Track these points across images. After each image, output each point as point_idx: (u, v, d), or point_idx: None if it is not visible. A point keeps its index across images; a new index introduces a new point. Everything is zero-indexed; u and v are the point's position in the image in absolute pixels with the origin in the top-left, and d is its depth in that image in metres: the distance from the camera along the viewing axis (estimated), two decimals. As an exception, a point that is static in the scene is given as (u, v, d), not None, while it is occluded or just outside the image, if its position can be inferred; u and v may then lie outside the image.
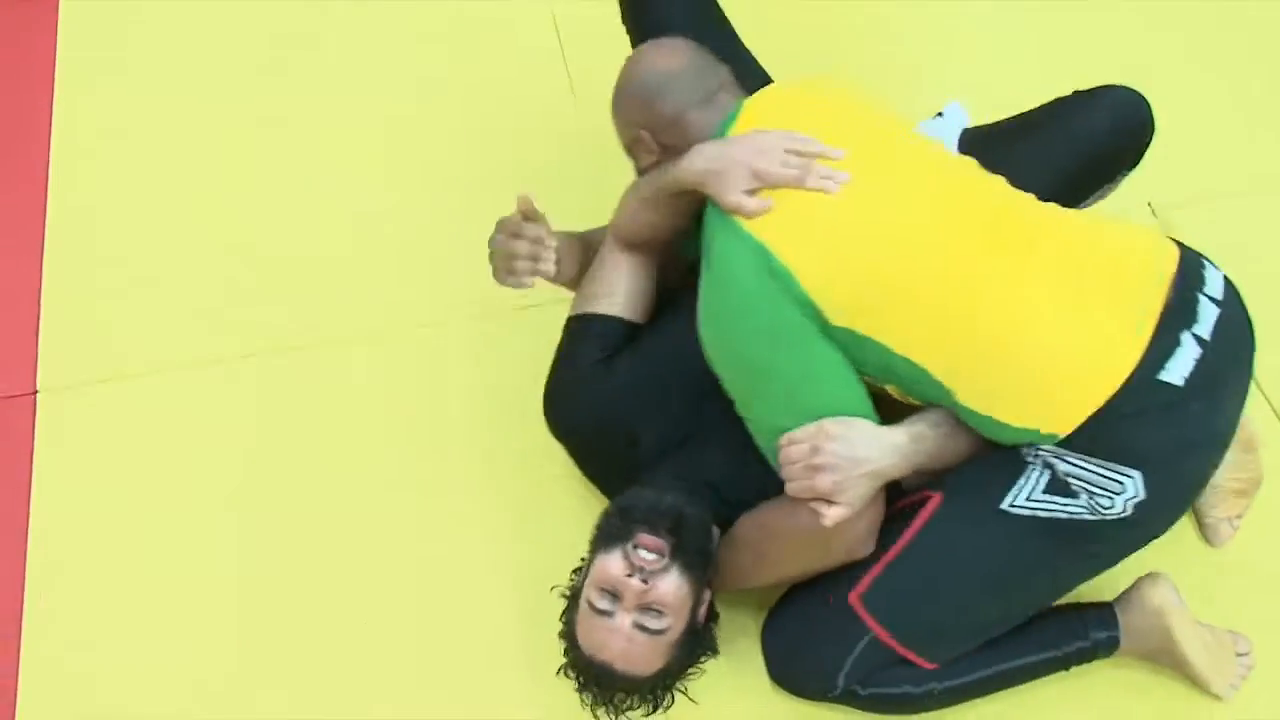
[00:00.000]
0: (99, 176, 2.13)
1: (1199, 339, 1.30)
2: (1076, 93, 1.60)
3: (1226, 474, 1.63)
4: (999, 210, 1.37)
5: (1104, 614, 1.49)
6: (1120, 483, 1.30)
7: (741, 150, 1.37)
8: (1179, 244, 1.38)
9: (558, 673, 1.52)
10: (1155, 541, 1.43)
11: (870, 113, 1.47)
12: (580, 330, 1.61)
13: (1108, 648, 1.49)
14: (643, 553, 1.40)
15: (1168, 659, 1.50)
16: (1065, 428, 1.29)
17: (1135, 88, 1.57)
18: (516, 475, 1.74)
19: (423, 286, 1.96)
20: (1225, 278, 1.38)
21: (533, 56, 2.24)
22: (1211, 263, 1.38)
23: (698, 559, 1.44)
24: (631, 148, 1.58)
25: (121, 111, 2.23)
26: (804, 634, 1.48)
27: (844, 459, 1.31)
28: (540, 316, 1.79)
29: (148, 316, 1.94)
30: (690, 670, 1.52)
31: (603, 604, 1.41)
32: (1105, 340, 1.29)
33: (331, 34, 2.33)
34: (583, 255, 1.65)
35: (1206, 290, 1.34)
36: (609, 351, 1.58)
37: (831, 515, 1.32)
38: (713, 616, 1.54)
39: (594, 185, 1.73)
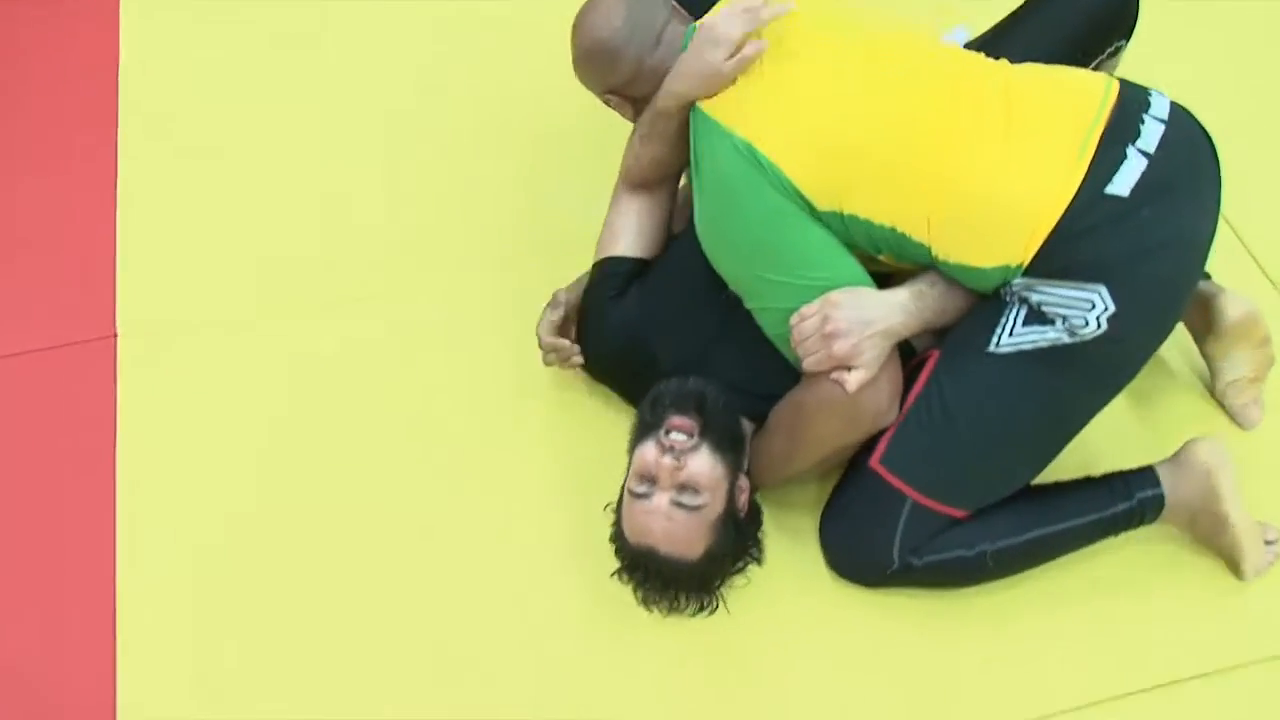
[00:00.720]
0: (165, 135, 2.23)
1: (1144, 153, 1.40)
2: None
3: (1241, 368, 1.74)
4: (954, 75, 1.49)
5: (1147, 475, 1.57)
6: (1089, 300, 1.40)
7: (700, 42, 1.51)
8: (1123, 80, 1.48)
9: (611, 576, 1.62)
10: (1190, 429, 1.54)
11: (822, 4, 1.58)
12: (596, 275, 1.75)
13: (1154, 509, 1.56)
14: (673, 435, 1.50)
15: (1208, 523, 1.57)
16: (1026, 255, 1.40)
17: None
18: (557, 410, 1.83)
19: (459, 240, 2.06)
20: (1173, 102, 1.47)
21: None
22: (1159, 92, 1.47)
23: (727, 439, 1.54)
24: (607, 103, 1.70)
25: (183, 69, 2.35)
26: (851, 518, 1.58)
27: (854, 323, 1.42)
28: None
29: (217, 265, 2.04)
30: (736, 569, 1.62)
31: (641, 488, 1.52)
32: (1049, 167, 1.40)
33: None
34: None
35: (1151, 112, 1.44)
36: (622, 287, 1.71)
37: (852, 380, 1.44)
38: (756, 519, 1.64)
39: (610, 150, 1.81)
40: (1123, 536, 1.61)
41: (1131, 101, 1.46)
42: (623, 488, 1.61)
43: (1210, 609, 1.61)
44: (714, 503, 1.53)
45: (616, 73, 1.63)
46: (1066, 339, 1.42)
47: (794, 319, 1.47)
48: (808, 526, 1.67)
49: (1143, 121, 1.44)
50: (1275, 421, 1.78)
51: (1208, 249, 1.48)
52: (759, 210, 1.47)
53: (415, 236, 2.06)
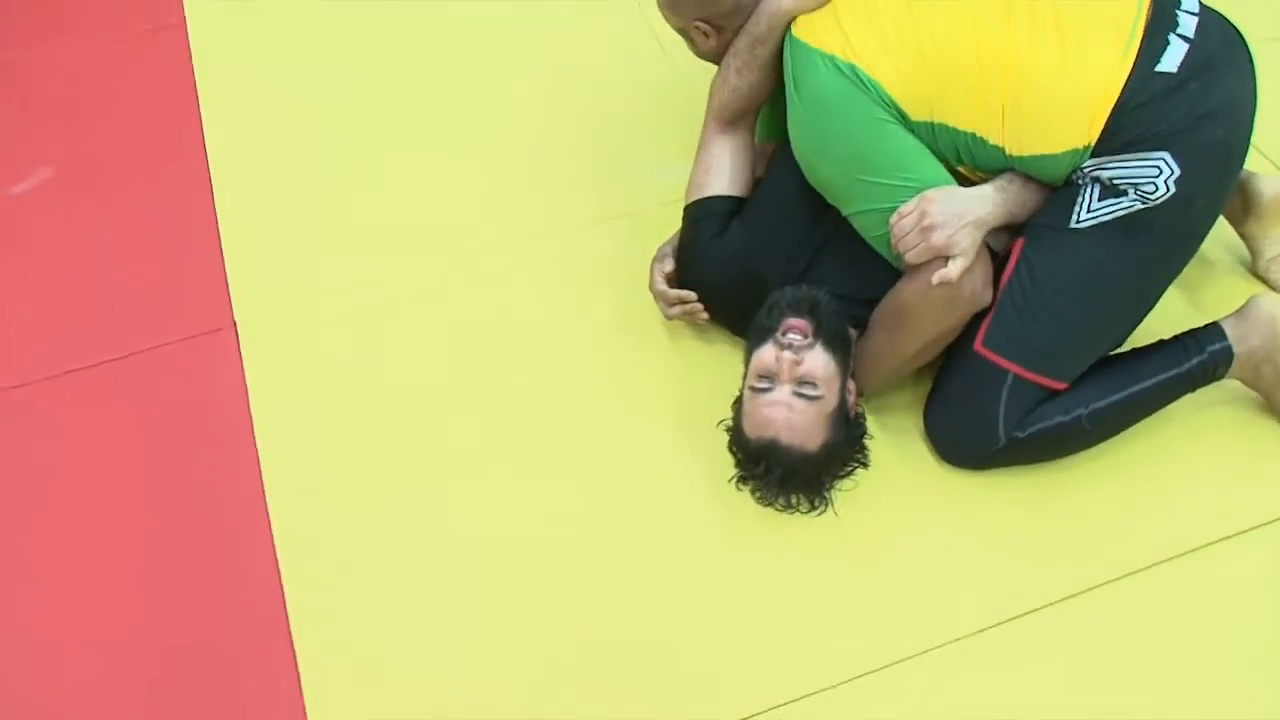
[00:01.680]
0: (251, 132, 2.39)
1: (1184, 38, 1.58)
2: None
3: (1278, 246, 1.91)
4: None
5: (1214, 330, 1.74)
6: (1156, 166, 1.57)
7: None
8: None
9: (730, 480, 1.76)
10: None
11: None
12: (695, 214, 1.88)
13: (1225, 361, 1.72)
14: (791, 335, 1.66)
15: (1272, 373, 1.73)
16: (1092, 136, 1.57)
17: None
18: (667, 345, 1.98)
19: (554, 201, 2.22)
20: (1200, 2, 1.64)
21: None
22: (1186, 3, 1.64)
23: (838, 340, 1.70)
24: (688, 34, 1.85)
25: (263, 67, 2.51)
26: (957, 402, 1.74)
27: (949, 215, 1.59)
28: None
29: (315, 251, 2.17)
30: (846, 472, 1.76)
31: (763, 384, 1.67)
32: (1103, 57, 1.57)
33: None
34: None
35: (1183, 7, 1.62)
36: (723, 225, 1.85)
37: (954, 268, 1.59)
38: (861, 424, 1.79)
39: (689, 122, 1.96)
40: (1197, 400, 1.77)
41: (1166, 1, 1.63)
42: (737, 400, 1.76)
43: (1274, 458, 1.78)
44: (829, 397, 1.69)
45: (716, 2, 1.76)
46: (1140, 205, 1.59)
47: (894, 218, 1.63)
48: (909, 425, 1.83)
49: (1178, 14, 1.61)
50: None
51: (1253, 114, 1.64)
52: (861, 121, 1.64)
53: (503, 212, 2.21)
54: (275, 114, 2.43)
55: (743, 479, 1.76)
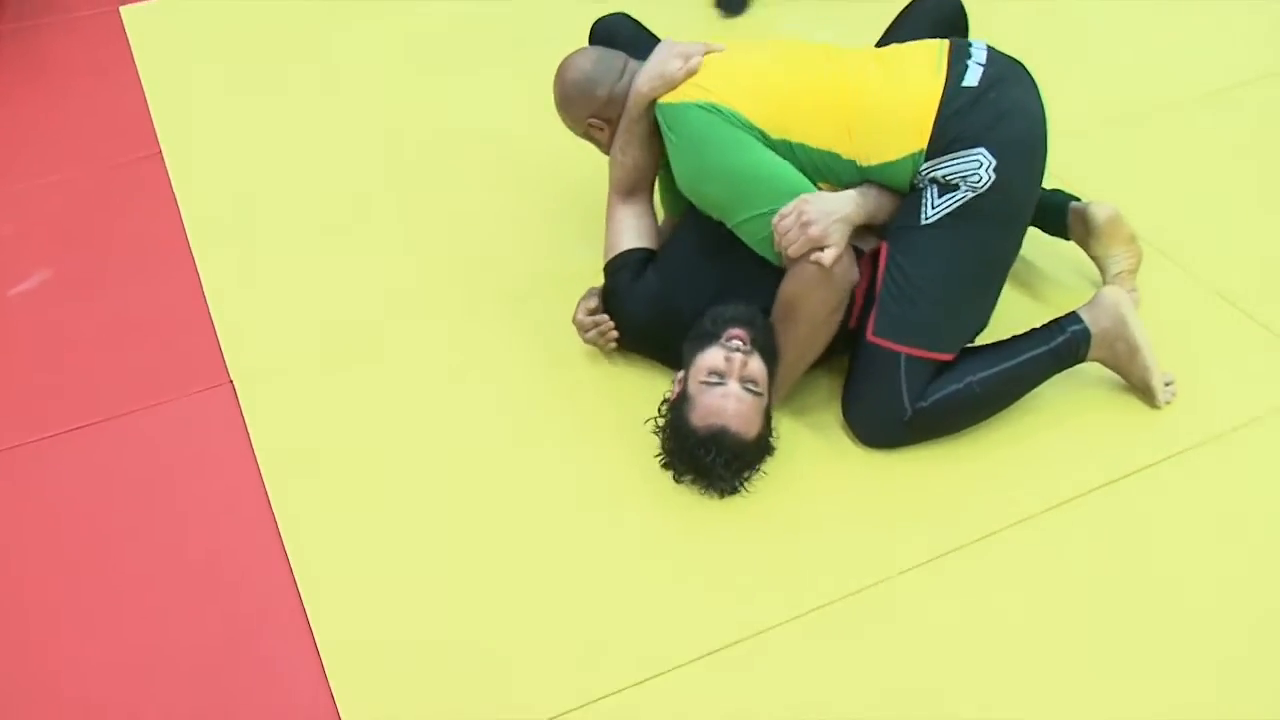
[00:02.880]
0: (227, 222, 2.72)
1: (979, 64, 2.03)
2: None
3: (1121, 262, 2.32)
4: (835, 50, 2.12)
5: (1072, 315, 2.12)
6: (976, 160, 1.97)
7: (659, 55, 2.13)
8: (950, 39, 2.11)
9: (656, 457, 2.06)
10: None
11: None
12: (614, 266, 2.25)
13: (1084, 340, 2.09)
14: (735, 342, 1.99)
15: (1125, 350, 2.09)
16: (923, 141, 1.98)
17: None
18: (595, 378, 2.30)
19: (489, 280, 2.57)
20: (986, 44, 2.10)
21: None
22: (974, 41, 2.11)
23: (769, 351, 2.03)
24: (588, 135, 2.28)
25: (228, 130, 2.85)
26: (865, 387, 2.08)
27: (822, 212, 1.96)
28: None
29: (300, 310, 2.46)
30: (764, 459, 2.04)
31: (713, 379, 1.97)
32: (920, 80, 2.02)
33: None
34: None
35: (974, 45, 2.07)
36: (639, 271, 2.21)
37: (828, 255, 1.95)
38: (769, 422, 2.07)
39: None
40: (1066, 379, 2.13)
41: (961, 42, 2.10)
42: (667, 400, 2.07)
43: (1127, 425, 2.14)
44: (765, 395, 2.00)
45: (596, 98, 2.20)
46: (971, 195, 1.98)
47: (775, 218, 1.98)
48: (828, 420, 2.16)
49: (971, 49, 2.07)
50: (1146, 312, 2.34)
51: (1043, 115, 2.07)
52: (729, 140, 2.03)
53: (449, 280, 2.54)
54: (249, 201, 2.79)
55: (678, 467, 2.04)
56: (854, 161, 2.04)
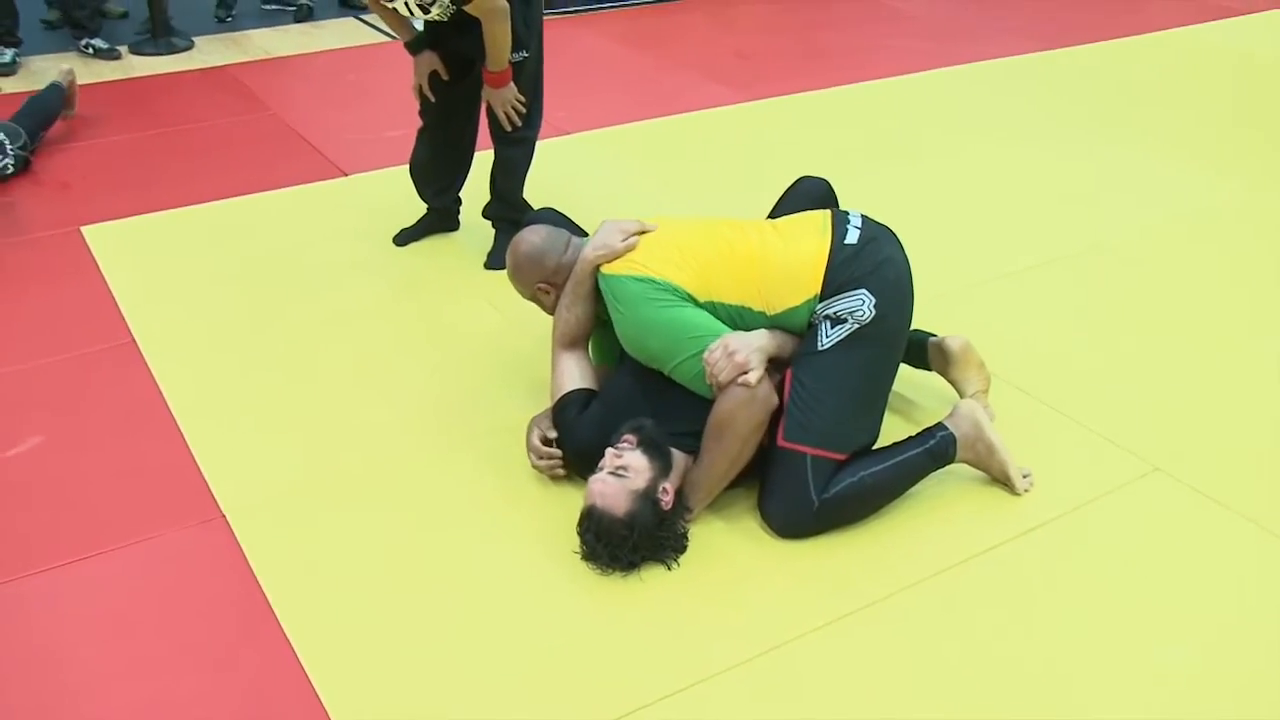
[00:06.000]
0: (204, 385, 3.06)
1: (856, 227, 2.57)
2: (804, 177, 2.97)
3: (974, 384, 2.84)
4: (744, 224, 2.64)
5: (939, 424, 2.59)
6: (860, 299, 2.47)
7: (604, 231, 2.63)
8: (831, 209, 2.68)
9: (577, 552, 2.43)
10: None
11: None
12: (561, 404, 2.67)
13: (951, 444, 2.55)
14: (622, 444, 2.42)
15: (984, 449, 2.57)
16: (817, 287, 2.48)
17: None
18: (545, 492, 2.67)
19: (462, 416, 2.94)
20: (860, 212, 2.65)
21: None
22: (850, 210, 2.67)
23: (655, 448, 2.43)
24: (535, 298, 2.74)
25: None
26: (777, 485, 2.48)
27: (744, 344, 2.42)
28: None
29: (272, 444, 2.79)
30: (661, 555, 2.39)
31: (596, 471, 2.41)
32: (813, 242, 2.53)
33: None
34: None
35: (851, 214, 2.62)
36: (583, 406, 2.64)
37: (752, 377, 2.40)
38: (675, 522, 2.42)
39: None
40: (940, 478, 2.59)
41: (840, 211, 2.65)
42: None
43: (994, 509, 2.60)
44: (637, 480, 2.38)
45: (545, 267, 2.68)
46: (857, 326, 2.47)
47: (706, 354, 2.43)
48: (746, 517, 2.56)
49: (849, 216, 2.62)
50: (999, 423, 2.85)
51: (908, 266, 2.60)
52: (664, 303, 2.50)
53: (421, 426, 2.93)
54: (225, 375, 3.13)
55: (581, 550, 2.40)
56: (763, 312, 2.52)
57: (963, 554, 2.47)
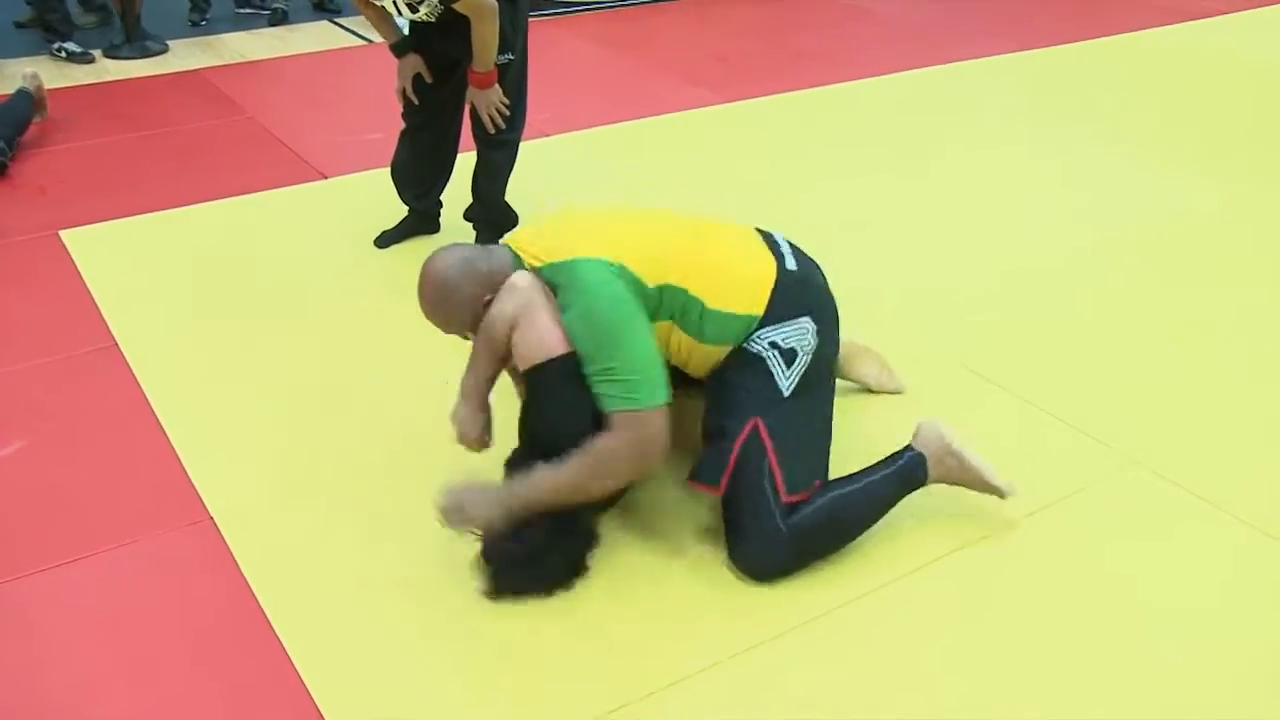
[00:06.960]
0: (189, 393, 3.05)
1: (788, 251, 2.49)
2: None
3: (872, 370, 2.96)
4: (683, 218, 2.52)
5: (906, 446, 2.49)
6: (805, 328, 2.40)
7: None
8: (759, 230, 2.55)
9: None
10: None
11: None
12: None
13: (920, 464, 2.45)
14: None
15: (955, 464, 2.46)
16: (761, 308, 2.37)
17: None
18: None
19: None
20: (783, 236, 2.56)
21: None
22: (777, 234, 2.56)
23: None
24: (476, 314, 2.39)
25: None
26: (743, 527, 2.36)
27: (482, 508, 2.34)
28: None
29: (257, 445, 2.78)
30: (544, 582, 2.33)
31: None
32: (761, 254, 2.45)
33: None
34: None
35: (776, 235, 2.54)
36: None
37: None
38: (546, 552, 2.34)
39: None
40: (911, 502, 2.54)
41: (770, 234, 2.55)
42: None
43: (972, 506, 2.58)
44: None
45: (477, 271, 2.38)
46: (809, 358, 2.40)
47: (437, 499, 2.35)
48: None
49: (775, 238, 2.53)
50: (981, 421, 2.88)
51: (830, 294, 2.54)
52: (618, 313, 2.27)
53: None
54: (209, 378, 3.11)
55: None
56: (701, 301, 2.34)
57: (941, 550, 2.47)
